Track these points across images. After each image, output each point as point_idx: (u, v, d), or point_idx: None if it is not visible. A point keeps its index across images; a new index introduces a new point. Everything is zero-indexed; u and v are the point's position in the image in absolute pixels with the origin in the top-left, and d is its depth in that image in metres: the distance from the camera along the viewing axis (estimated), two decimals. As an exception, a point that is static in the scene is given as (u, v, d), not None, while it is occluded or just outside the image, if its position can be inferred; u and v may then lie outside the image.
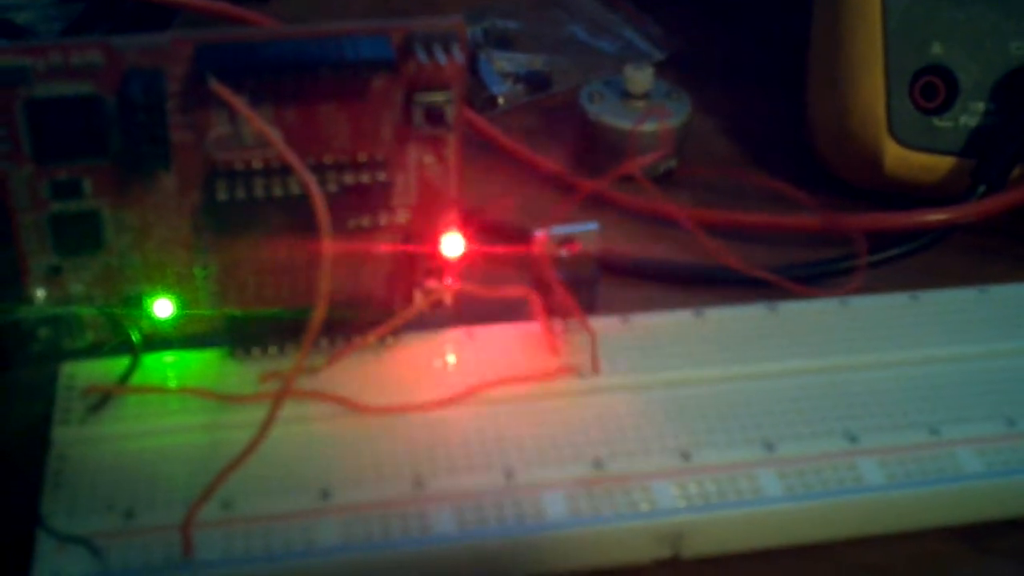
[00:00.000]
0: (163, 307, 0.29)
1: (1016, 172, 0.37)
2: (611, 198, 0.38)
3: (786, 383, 0.30)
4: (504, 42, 0.46)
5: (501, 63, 0.44)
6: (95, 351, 0.29)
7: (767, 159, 0.42)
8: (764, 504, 0.27)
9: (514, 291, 0.29)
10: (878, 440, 0.28)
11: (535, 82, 0.44)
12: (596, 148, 0.39)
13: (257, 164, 0.28)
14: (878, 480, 0.27)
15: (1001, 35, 0.37)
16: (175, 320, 0.29)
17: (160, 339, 0.29)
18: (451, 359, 0.30)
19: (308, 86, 0.27)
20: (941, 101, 0.37)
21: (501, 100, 0.43)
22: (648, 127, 0.38)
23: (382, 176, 0.28)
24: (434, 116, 0.28)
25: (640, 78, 0.39)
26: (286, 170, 0.28)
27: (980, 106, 0.37)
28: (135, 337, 0.29)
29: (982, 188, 0.36)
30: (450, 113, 0.28)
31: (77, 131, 0.27)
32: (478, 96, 0.43)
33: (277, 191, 0.28)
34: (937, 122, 0.37)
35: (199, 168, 0.28)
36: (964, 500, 0.28)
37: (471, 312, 0.31)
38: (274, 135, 0.26)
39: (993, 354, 0.31)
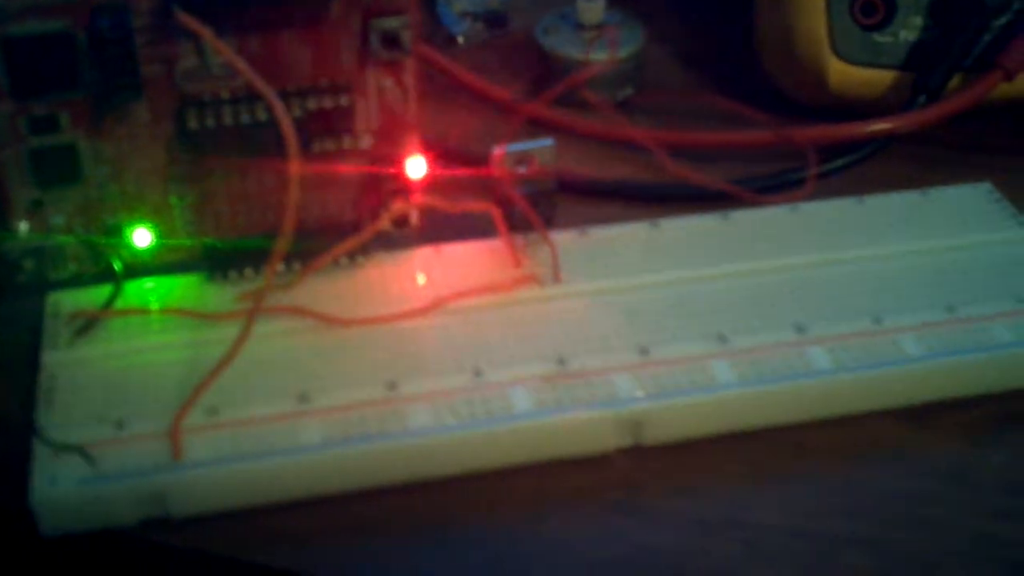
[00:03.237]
0: (142, 236, 0.31)
1: (953, 82, 0.38)
2: (570, 124, 0.39)
3: (738, 283, 0.32)
4: (461, -17, 0.47)
5: (459, 4, 0.46)
6: (78, 282, 0.31)
7: (719, 84, 0.43)
8: (718, 391, 0.28)
9: (476, 205, 0.31)
10: (825, 330, 0.30)
11: (492, 21, 0.46)
12: (552, 79, 0.41)
13: (225, 93, 0.29)
14: (825, 365, 0.29)
15: (935, -49, 0.39)
16: (154, 249, 0.31)
17: (140, 267, 0.31)
18: (419, 274, 0.32)
19: (269, 14, 0.29)
20: (880, 18, 0.39)
21: (460, 39, 0.45)
22: (601, 55, 0.40)
23: (344, 100, 0.30)
24: (390, 41, 0.29)
25: (592, 9, 0.41)
26: (253, 98, 0.29)
27: (918, 21, 0.39)
28: (117, 265, 0.30)
29: (922, 99, 0.38)
30: (406, 38, 0.30)
31: (51, 67, 0.28)
32: (438, 36, 0.44)
33: (245, 118, 0.29)
34: (877, 38, 0.39)
35: (170, 99, 0.29)
36: (906, 382, 0.30)
37: (436, 233, 0.33)
38: (240, 63, 0.27)
39: (935, 249, 0.33)
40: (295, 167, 0.26)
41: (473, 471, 0.28)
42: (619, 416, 0.28)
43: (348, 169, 0.31)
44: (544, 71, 0.41)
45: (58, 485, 0.26)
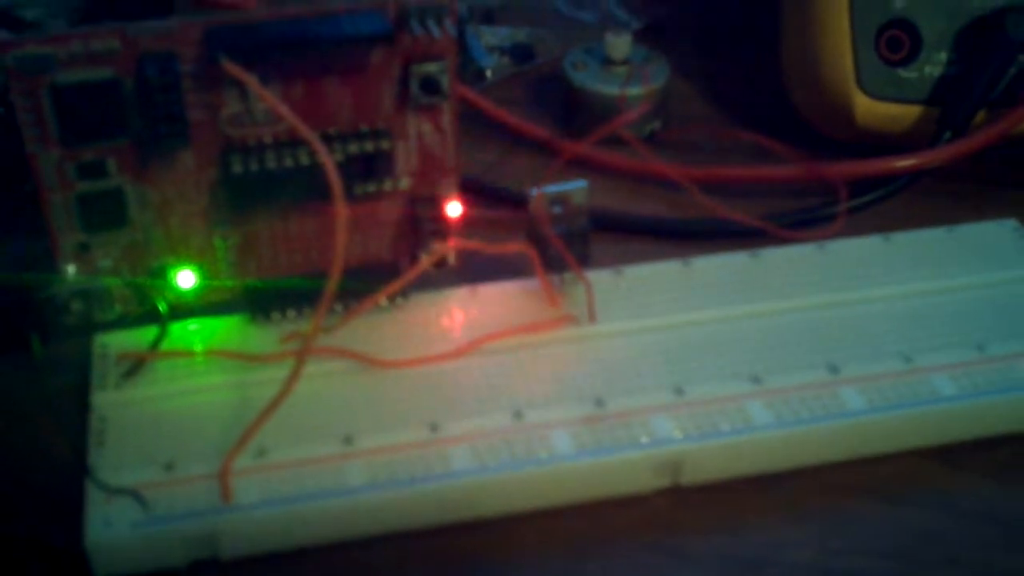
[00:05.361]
0: (186, 278, 0.31)
1: (979, 118, 0.39)
2: (601, 160, 0.40)
3: (770, 322, 0.32)
4: (488, 17, 0.47)
5: (487, 37, 0.46)
6: (123, 323, 0.31)
7: (745, 118, 0.44)
8: (754, 432, 0.29)
9: (513, 246, 0.32)
10: (857, 369, 0.31)
11: (520, 54, 0.46)
12: (581, 114, 0.41)
13: (268, 139, 0.30)
14: (859, 405, 0.30)
15: (960, -13, 0.39)
16: (198, 290, 0.31)
17: (184, 309, 0.31)
18: (458, 314, 0.32)
19: (312, 62, 0.29)
20: (906, 53, 0.39)
21: (489, 73, 0.45)
22: (632, 90, 0.40)
23: (384, 145, 0.30)
24: (430, 86, 0.30)
25: (620, 44, 0.41)
26: (296, 143, 0.30)
27: (943, 56, 0.39)
28: (162, 307, 0.31)
29: (948, 134, 0.38)
30: (444, 82, 0.30)
31: (99, 113, 0.28)
32: (466, 70, 0.45)
33: (288, 163, 0.30)
34: (903, 73, 0.39)
35: (215, 145, 0.30)
36: (938, 421, 0.30)
37: (473, 272, 0.33)
38: (284, 109, 0.28)
39: (962, 287, 0.34)
40: (342, 211, 0.26)
41: (514, 512, 0.28)
42: (658, 457, 0.28)
43: (389, 211, 0.31)
44: (572, 105, 0.42)
45: (112, 528, 0.26)
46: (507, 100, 0.44)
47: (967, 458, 0.30)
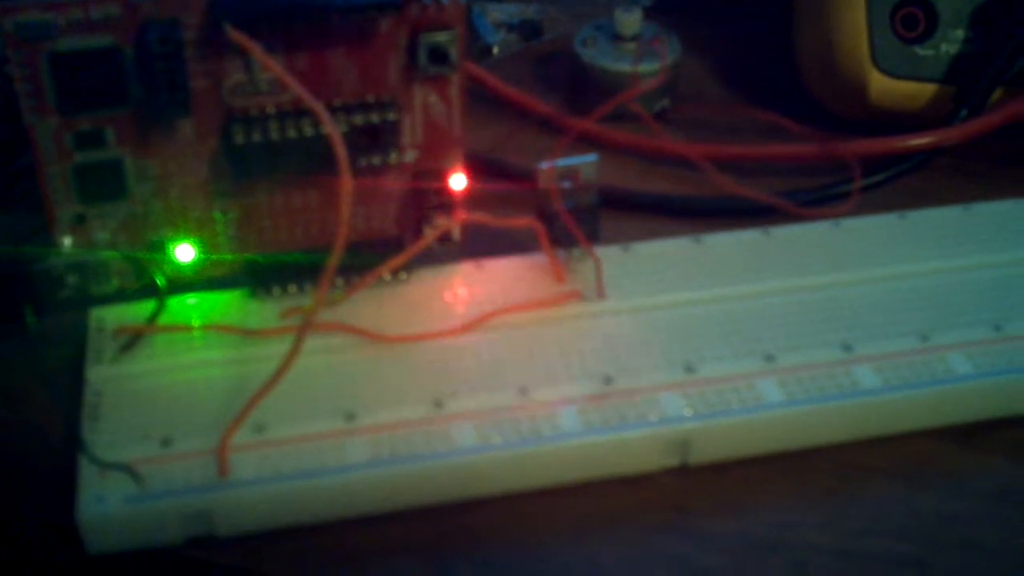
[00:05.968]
0: (185, 252, 0.31)
1: (995, 95, 0.38)
2: (611, 138, 0.39)
3: (783, 300, 0.31)
4: (496, -7, 0.47)
5: (494, 13, 0.46)
6: (120, 297, 0.31)
7: (756, 97, 0.43)
8: (766, 410, 0.28)
9: (520, 221, 0.31)
10: (872, 348, 0.30)
11: (527, 30, 0.46)
12: (591, 91, 0.41)
13: (271, 109, 0.29)
14: (873, 384, 0.29)
15: (977, -37, 0.39)
16: (197, 264, 0.31)
17: (183, 283, 0.31)
18: (462, 290, 0.31)
19: (318, 30, 0.28)
20: (922, 30, 0.39)
21: (495, 49, 0.45)
22: (643, 67, 0.40)
23: (391, 116, 0.30)
24: (438, 56, 0.29)
25: (630, 20, 0.40)
26: (300, 113, 0.29)
27: (959, 34, 0.39)
28: (160, 280, 0.30)
29: (964, 112, 0.38)
30: (453, 53, 0.29)
31: (99, 82, 0.28)
32: (473, 46, 0.44)
33: (291, 133, 0.29)
34: (919, 51, 0.39)
35: (216, 115, 0.29)
36: (954, 401, 0.29)
37: (479, 247, 0.33)
38: (289, 79, 0.27)
39: (978, 265, 0.33)
40: (347, 183, 0.26)
41: (519, 490, 0.28)
42: (667, 435, 0.28)
43: (394, 184, 0.31)
44: (581, 83, 0.41)
45: (105, 503, 0.25)
46: (514, 77, 0.43)
47: (983, 438, 0.30)
